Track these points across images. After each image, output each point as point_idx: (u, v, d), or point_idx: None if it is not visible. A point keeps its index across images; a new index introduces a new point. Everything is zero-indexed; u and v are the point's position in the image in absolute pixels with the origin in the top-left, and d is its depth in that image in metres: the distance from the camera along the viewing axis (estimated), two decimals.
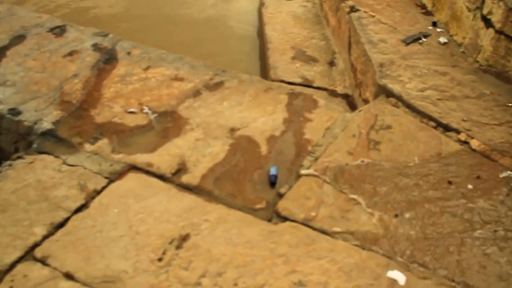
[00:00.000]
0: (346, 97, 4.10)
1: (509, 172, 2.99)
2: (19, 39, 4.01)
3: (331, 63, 4.48)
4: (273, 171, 2.96)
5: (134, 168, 2.97)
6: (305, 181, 2.92)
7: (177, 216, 2.69)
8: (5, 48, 3.91)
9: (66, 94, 3.46)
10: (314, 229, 2.67)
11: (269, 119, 3.34)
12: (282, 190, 2.87)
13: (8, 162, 3.02)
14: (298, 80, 4.18)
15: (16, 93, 3.47)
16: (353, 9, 4.38)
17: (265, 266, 2.47)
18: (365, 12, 4.30)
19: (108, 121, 3.28)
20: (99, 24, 4.76)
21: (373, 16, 4.25)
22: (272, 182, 2.92)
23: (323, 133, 3.25)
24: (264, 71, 4.66)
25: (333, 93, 4.12)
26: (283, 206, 2.78)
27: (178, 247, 2.53)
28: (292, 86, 3.86)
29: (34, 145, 3.13)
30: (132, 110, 3.35)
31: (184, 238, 2.58)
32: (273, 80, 4.10)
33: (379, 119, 3.33)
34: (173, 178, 2.92)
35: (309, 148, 3.14)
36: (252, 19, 5.74)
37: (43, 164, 2.99)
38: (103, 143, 3.12)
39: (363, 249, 2.58)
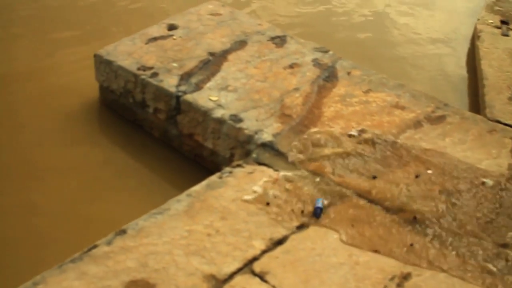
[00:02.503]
0: None
1: None
2: (240, 44, 4.06)
3: None
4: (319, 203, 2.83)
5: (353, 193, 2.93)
6: None
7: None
8: (227, 52, 3.97)
9: (287, 107, 3.47)
10: None
11: (493, 162, 3.19)
12: (507, 241, 2.73)
13: (228, 169, 3.05)
14: None
15: (238, 99, 3.51)
16: None
17: None
18: None
19: None
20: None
21: None
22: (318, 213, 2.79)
23: None
24: (474, 107, 4.49)
25: None
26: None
27: (399, 285, 2.45)
28: None
29: (253, 155, 3.15)
30: (352, 133, 3.30)
31: (405, 276, 2.49)
32: (488, 119, 3.92)
33: None
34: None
35: None
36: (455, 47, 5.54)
37: (263, 176, 3.00)
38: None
39: None
